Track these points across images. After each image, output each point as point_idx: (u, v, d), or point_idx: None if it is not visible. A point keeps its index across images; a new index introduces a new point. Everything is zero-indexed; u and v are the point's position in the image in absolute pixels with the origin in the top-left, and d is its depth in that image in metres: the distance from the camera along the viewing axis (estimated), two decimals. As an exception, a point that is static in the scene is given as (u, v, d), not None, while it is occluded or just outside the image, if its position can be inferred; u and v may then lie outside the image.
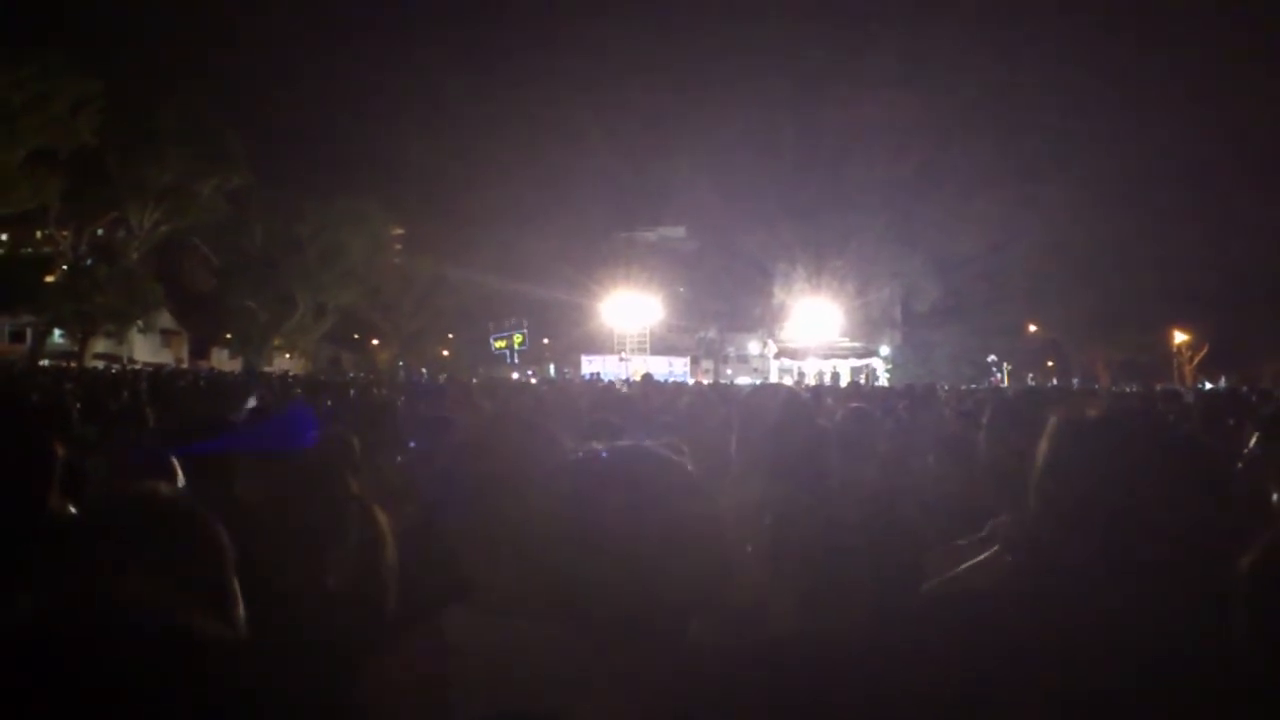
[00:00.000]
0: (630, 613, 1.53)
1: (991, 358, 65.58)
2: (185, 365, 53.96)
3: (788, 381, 38.33)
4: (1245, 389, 23.11)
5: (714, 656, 1.67)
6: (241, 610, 1.79)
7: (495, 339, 67.32)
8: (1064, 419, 2.06)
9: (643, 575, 1.52)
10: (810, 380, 46.90)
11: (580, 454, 1.72)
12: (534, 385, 29.72)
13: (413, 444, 5.19)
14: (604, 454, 1.70)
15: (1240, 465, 4.34)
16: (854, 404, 5.79)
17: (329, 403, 12.13)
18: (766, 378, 49.46)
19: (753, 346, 68.60)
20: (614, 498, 1.58)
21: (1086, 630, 1.81)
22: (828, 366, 55.70)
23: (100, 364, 44.03)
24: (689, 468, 1.68)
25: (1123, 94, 68.00)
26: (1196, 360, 60.12)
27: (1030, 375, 62.53)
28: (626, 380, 30.56)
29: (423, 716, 2.09)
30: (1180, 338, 61.04)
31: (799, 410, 3.62)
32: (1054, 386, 49.69)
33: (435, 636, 2.19)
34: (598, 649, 1.57)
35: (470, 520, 2.25)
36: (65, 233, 51.02)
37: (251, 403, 9.46)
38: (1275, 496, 3.02)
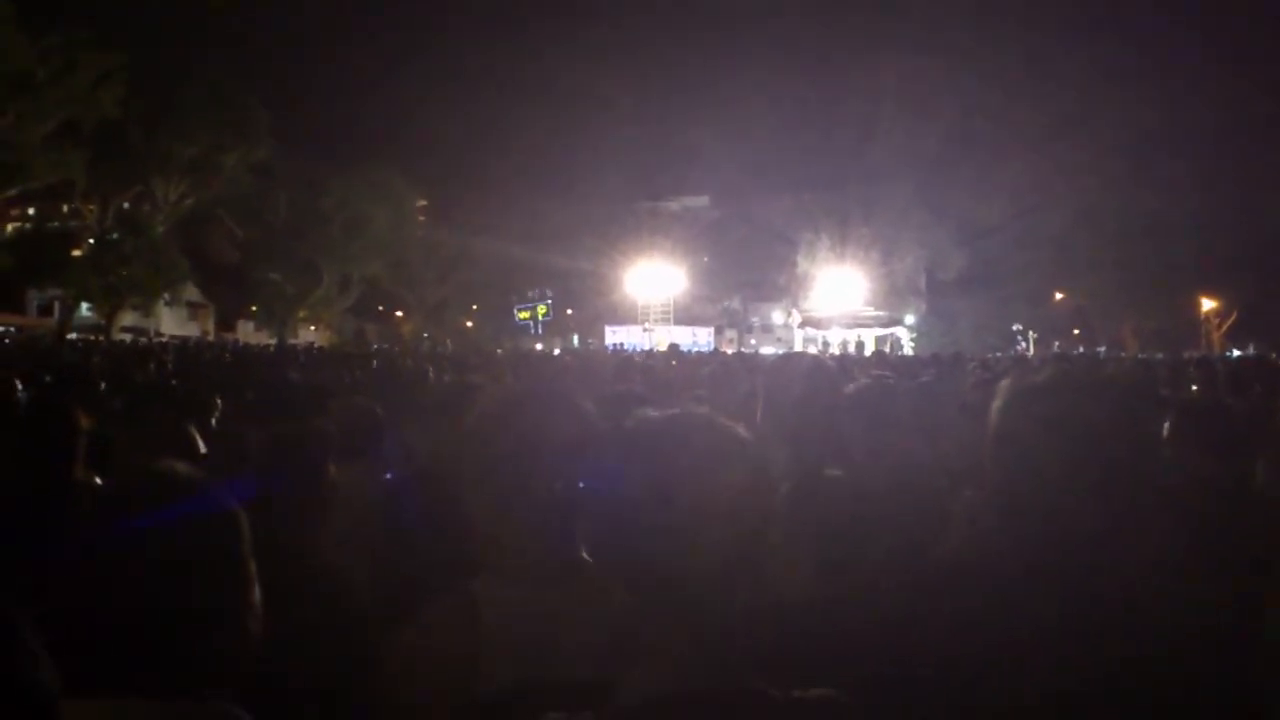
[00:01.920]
0: (681, 578, 1.54)
1: (1017, 326, 65.25)
2: (212, 338, 54.29)
3: (812, 351, 38.28)
4: (1275, 355, 22.93)
5: (751, 620, 1.68)
6: (258, 592, 1.78)
7: (519, 310, 67.37)
8: (1013, 386, 2.06)
9: (700, 540, 1.53)
10: (835, 349, 46.79)
11: (635, 420, 1.70)
12: (557, 356, 29.69)
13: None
14: (657, 419, 1.69)
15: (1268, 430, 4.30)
16: (876, 372, 5.77)
17: (357, 374, 12.18)
18: (791, 347, 49.29)
19: (777, 316, 68.45)
20: (673, 463, 1.57)
21: (1039, 600, 1.81)
22: (852, 336, 55.48)
23: (127, 337, 44.35)
24: (743, 434, 1.67)
25: (1152, 58, 67.11)
26: (1225, 328, 59.64)
27: (1056, 343, 62.20)
28: (648, 350, 30.52)
29: (451, 684, 2.10)
30: (1208, 305, 60.52)
31: (824, 378, 3.61)
32: (1080, 354, 49.42)
33: (464, 605, 2.20)
34: (658, 613, 1.57)
35: (495, 490, 2.25)
36: (91, 207, 51.30)
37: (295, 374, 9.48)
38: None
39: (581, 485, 2.04)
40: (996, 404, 2.03)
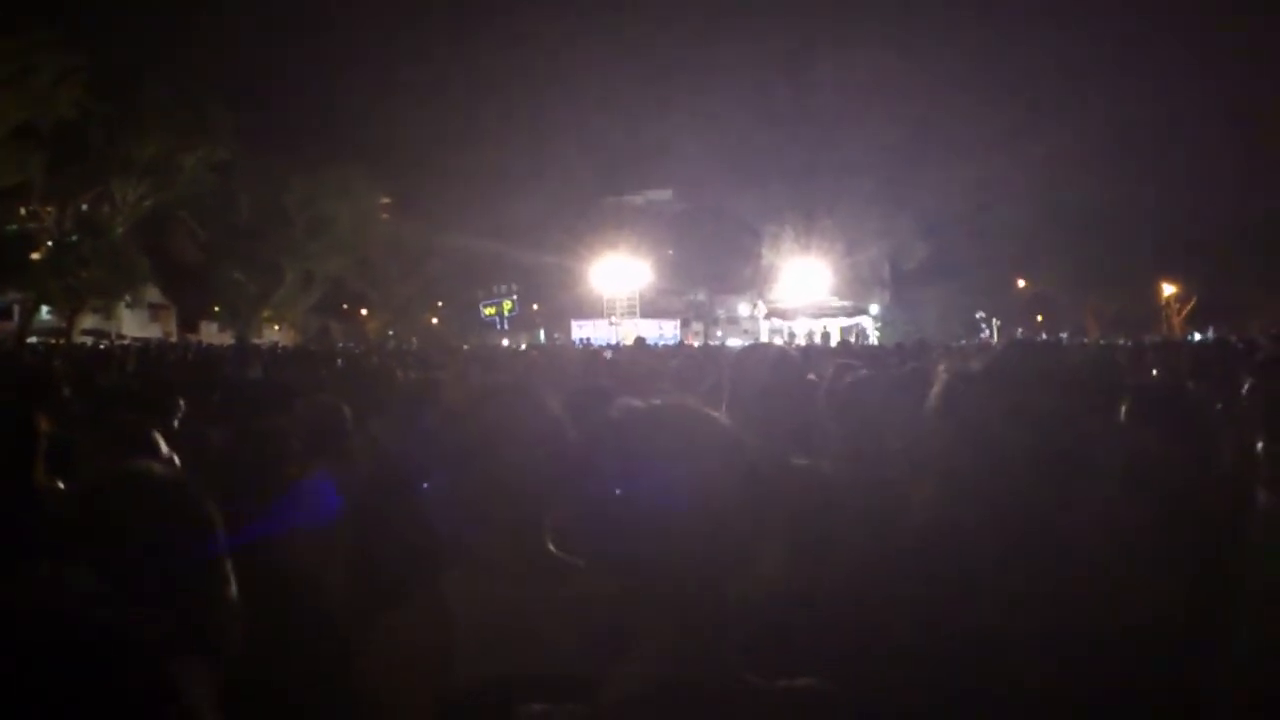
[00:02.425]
0: (669, 570, 1.54)
1: (980, 314, 65.68)
2: (174, 339, 53.83)
3: (778, 342, 38.34)
4: (1234, 339, 23.20)
5: (738, 610, 1.68)
6: (234, 589, 1.77)
7: (485, 306, 67.23)
8: (949, 372, 2.09)
9: (688, 530, 1.53)
10: (801, 340, 46.94)
11: (617, 410, 1.70)
12: (524, 352, 29.64)
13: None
14: (643, 409, 1.68)
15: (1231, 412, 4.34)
16: (841, 361, 5.79)
17: (322, 373, 12.11)
18: (757, 338, 49.41)
19: (742, 308, 68.60)
20: (659, 451, 1.58)
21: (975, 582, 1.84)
22: (818, 326, 55.69)
23: (88, 340, 43.91)
24: (727, 423, 1.67)
25: (1107, 49, 67.69)
26: (1185, 312, 60.26)
27: (1020, 329, 62.65)
28: (614, 345, 30.50)
29: (424, 680, 2.11)
30: (1169, 290, 61.14)
31: (788, 368, 3.62)
32: (1044, 340, 49.79)
33: (435, 602, 2.20)
34: (644, 605, 1.57)
35: (462, 485, 2.25)
36: (49, 208, 50.66)
37: (256, 373, 9.40)
38: (1260, 445, 3.03)
39: (563, 479, 2.05)
40: (934, 390, 2.06)
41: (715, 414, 1.69)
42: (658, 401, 1.72)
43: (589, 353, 20.04)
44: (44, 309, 51.08)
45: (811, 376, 4.38)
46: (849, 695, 1.64)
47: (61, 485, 3.49)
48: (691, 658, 1.54)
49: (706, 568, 1.56)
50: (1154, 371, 9.24)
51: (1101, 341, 36.41)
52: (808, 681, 1.60)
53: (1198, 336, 46.27)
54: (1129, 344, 23.72)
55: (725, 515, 1.56)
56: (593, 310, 63.08)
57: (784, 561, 2.55)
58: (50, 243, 50.58)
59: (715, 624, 1.57)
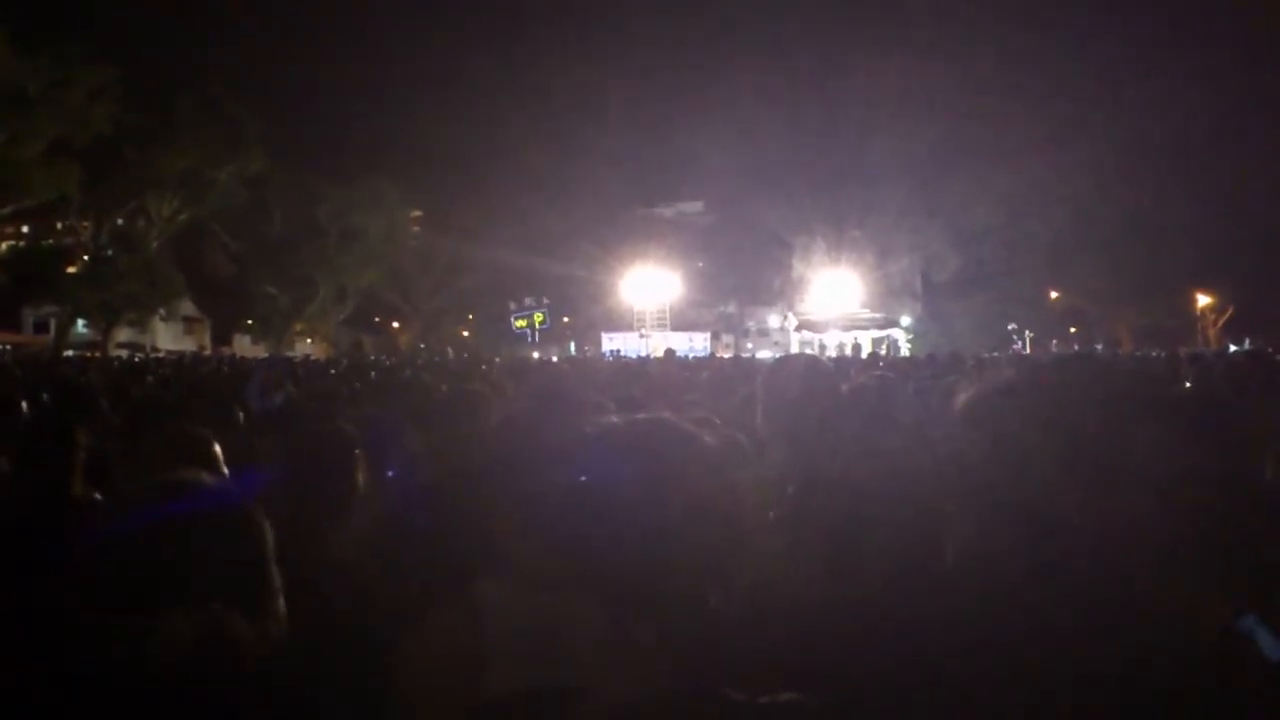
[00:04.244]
0: (647, 584, 1.54)
1: (1012, 326, 65.28)
2: (208, 352, 54.27)
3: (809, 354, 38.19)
4: (1270, 349, 22.93)
5: (735, 625, 1.68)
6: (281, 602, 1.78)
7: (516, 318, 67.29)
8: (977, 387, 2.09)
9: (657, 546, 1.52)
10: (832, 352, 46.79)
11: (594, 426, 1.71)
12: (555, 363, 29.73)
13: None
14: (618, 425, 1.69)
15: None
16: (875, 372, 5.78)
17: (356, 385, 12.17)
18: (787, 351, 49.25)
19: (773, 320, 68.43)
20: (627, 469, 1.58)
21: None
22: (848, 338, 55.50)
23: (124, 353, 44.31)
24: (707, 439, 1.68)
25: (1144, 60, 67.29)
26: (1221, 323, 59.72)
27: (1054, 341, 62.21)
28: (645, 356, 30.48)
29: (452, 688, 2.11)
30: (1204, 300, 60.60)
31: (820, 378, 3.62)
32: (1077, 352, 49.44)
33: (464, 610, 2.21)
34: (615, 619, 1.57)
35: (499, 494, 2.26)
36: (85, 223, 51.29)
37: (279, 398, 9.32)
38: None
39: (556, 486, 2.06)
40: (961, 400, 2.06)
41: (696, 430, 1.69)
42: (638, 417, 1.73)
43: (619, 365, 20.08)
44: (80, 322, 51.61)
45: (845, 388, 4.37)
46: (831, 711, 1.63)
47: (99, 497, 3.52)
48: (671, 672, 1.54)
49: (684, 582, 1.55)
50: (1187, 383, 9.13)
51: (1136, 354, 36.11)
52: (790, 697, 1.59)
53: (1233, 348, 45.82)
54: (1163, 355, 23.47)
55: (701, 530, 1.55)
56: (623, 323, 63.09)
57: (818, 572, 2.55)
58: (86, 257, 51.18)
59: (695, 639, 1.57)
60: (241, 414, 6.22)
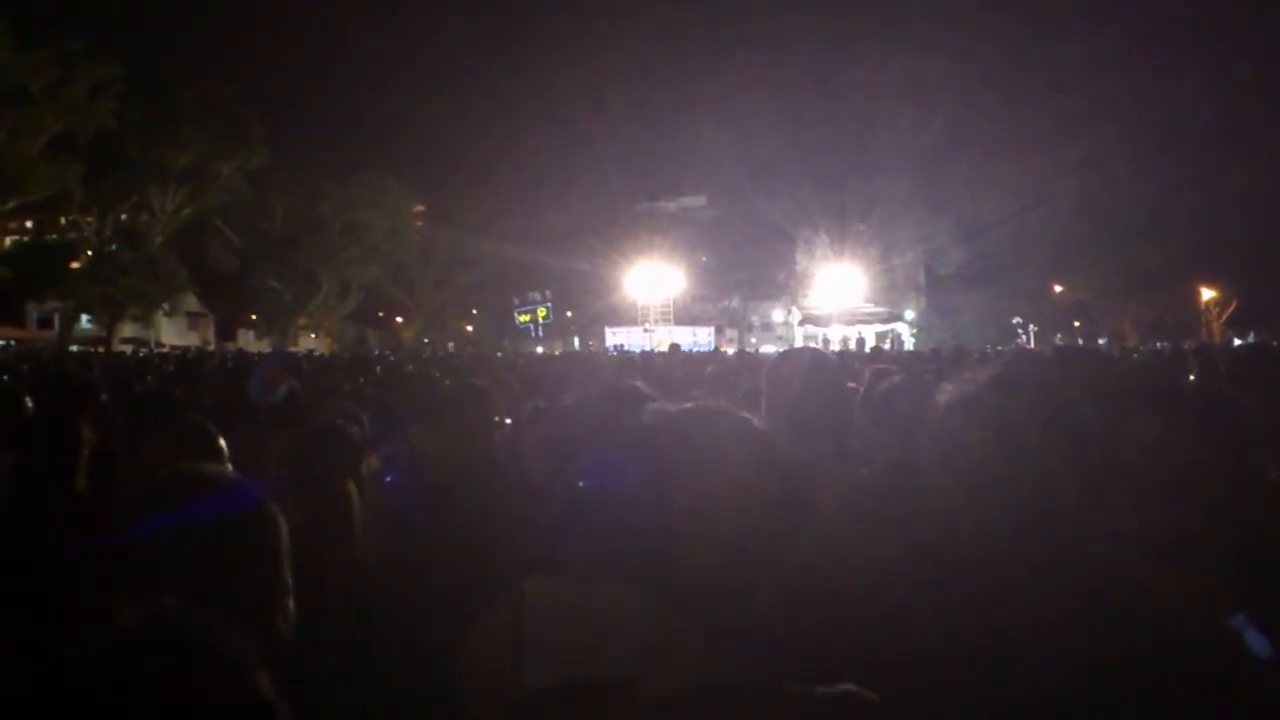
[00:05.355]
0: (708, 573, 1.52)
1: (1016, 320, 65.20)
2: (212, 347, 54.32)
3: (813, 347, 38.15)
4: (1275, 343, 22.89)
5: (787, 614, 1.66)
6: (291, 602, 1.76)
7: (519, 313, 67.30)
8: (959, 384, 2.07)
9: (721, 533, 1.51)
10: (835, 346, 46.76)
11: (650, 414, 1.68)
12: (559, 358, 29.78)
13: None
14: (676, 413, 1.66)
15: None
16: (879, 366, 5.76)
17: (360, 380, 12.16)
18: (791, 345, 49.07)
19: (777, 314, 68.42)
20: (692, 455, 1.56)
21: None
22: (852, 332, 55.43)
23: (128, 348, 44.36)
24: (758, 425, 1.65)
25: (1148, 53, 67.10)
26: (1225, 316, 59.60)
27: (1059, 335, 62.14)
28: (649, 351, 30.48)
29: (505, 681, 2.11)
30: (1208, 294, 60.48)
31: (824, 372, 3.59)
32: (1081, 346, 49.35)
33: (517, 603, 2.21)
34: (670, 610, 1.56)
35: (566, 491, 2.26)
36: (89, 218, 51.33)
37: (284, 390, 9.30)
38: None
39: (586, 483, 2.04)
40: (957, 395, 2.05)
41: (748, 416, 1.67)
42: (689, 405, 1.70)
43: (623, 359, 20.09)
44: (84, 318, 51.66)
45: (852, 385, 4.35)
46: (888, 702, 1.62)
47: (104, 492, 3.51)
48: (725, 662, 1.53)
49: (738, 571, 1.54)
50: (1190, 377, 9.10)
51: (1141, 347, 36.07)
52: (846, 687, 1.58)
53: (1238, 342, 45.72)
54: (1167, 349, 23.45)
55: (757, 518, 1.54)
56: (626, 317, 63.06)
57: (816, 567, 2.54)
58: (90, 252, 51.21)
59: (749, 628, 1.56)
60: (246, 409, 6.21)
